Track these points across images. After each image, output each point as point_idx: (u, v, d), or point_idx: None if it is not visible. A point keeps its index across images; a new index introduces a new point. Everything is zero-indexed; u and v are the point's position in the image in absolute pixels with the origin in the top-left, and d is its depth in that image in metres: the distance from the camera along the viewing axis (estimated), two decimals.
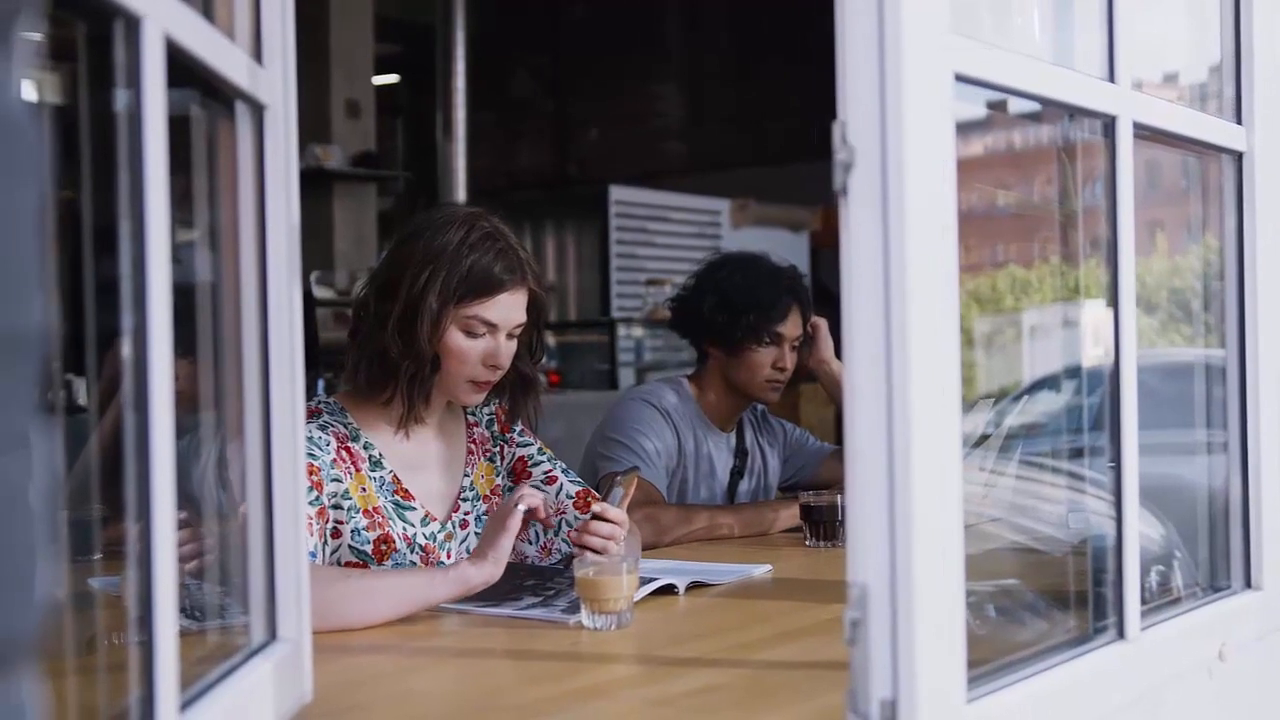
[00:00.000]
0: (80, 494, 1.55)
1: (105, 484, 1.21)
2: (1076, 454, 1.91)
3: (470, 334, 2.19)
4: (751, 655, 1.77)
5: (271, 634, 1.36)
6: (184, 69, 1.10)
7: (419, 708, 1.60)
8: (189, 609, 1.31)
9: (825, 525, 2.64)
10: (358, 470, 2.21)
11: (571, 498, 2.36)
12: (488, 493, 2.37)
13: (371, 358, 2.20)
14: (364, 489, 2.20)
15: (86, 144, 1.04)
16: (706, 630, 1.95)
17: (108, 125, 1.00)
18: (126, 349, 0.98)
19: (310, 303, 5.18)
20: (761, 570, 2.36)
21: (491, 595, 2.04)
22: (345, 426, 2.23)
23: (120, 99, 0.99)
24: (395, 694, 1.65)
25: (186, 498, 1.14)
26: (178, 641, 1.02)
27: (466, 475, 2.36)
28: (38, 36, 0.65)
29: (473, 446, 2.38)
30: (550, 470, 2.40)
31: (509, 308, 2.21)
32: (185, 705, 1.07)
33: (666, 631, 1.95)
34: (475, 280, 2.17)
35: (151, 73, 0.99)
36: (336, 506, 2.15)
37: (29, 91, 0.63)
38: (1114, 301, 1.52)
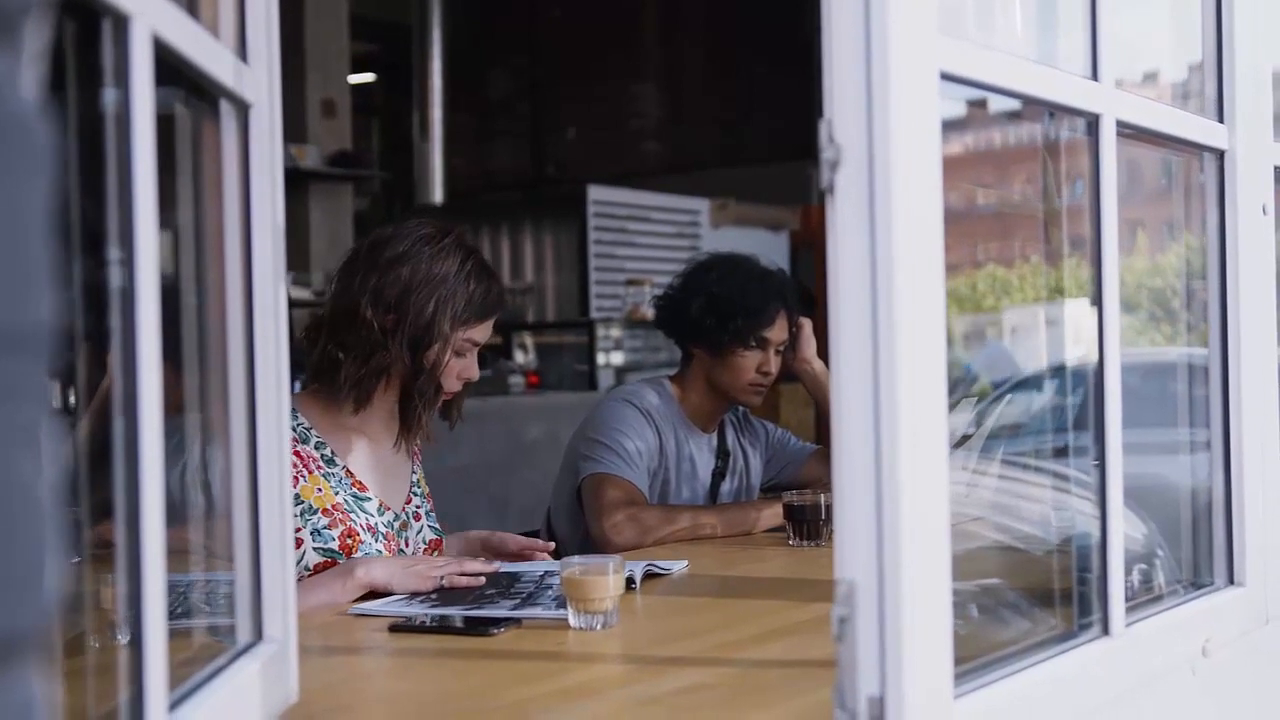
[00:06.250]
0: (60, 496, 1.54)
1: (87, 485, 1.21)
2: (1059, 453, 1.91)
3: (459, 354, 2.30)
4: (737, 654, 1.77)
5: (258, 634, 1.36)
6: (168, 67, 1.09)
7: (404, 708, 1.60)
8: (171, 608, 1.31)
9: (809, 525, 2.65)
10: (310, 472, 2.24)
11: (425, 543, 2.43)
12: (426, 493, 2.48)
13: (377, 372, 2.25)
14: (319, 489, 2.24)
15: (73, 143, 1.03)
16: (691, 630, 1.95)
17: (94, 124, 0.99)
18: (115, 351, 0.98)
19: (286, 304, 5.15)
20: (679, 566, 2.36)
21: (472, 602, 2.03)
22: (294, 429, 2.24)
23: (107, 97, 0.98)
24: (380, 694, 1.64)
25: (169, 500, 1.13)
26: (167, 642, 1.01)
27: (414, 472, 2.45)
28: (46, 34, 0.65)
29: (415, 449, 2.47)
30: (428, 508, 2.50)
31: (490, 328, 2.36)
32: (173, 705, 1.07)
33: (651, 631, 1.95)
34: (477, 307, 2.29)
35: (140, 72, 0.98)
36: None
37: (36, 89, 0.62)
38: (1098, 300, 1.53)
